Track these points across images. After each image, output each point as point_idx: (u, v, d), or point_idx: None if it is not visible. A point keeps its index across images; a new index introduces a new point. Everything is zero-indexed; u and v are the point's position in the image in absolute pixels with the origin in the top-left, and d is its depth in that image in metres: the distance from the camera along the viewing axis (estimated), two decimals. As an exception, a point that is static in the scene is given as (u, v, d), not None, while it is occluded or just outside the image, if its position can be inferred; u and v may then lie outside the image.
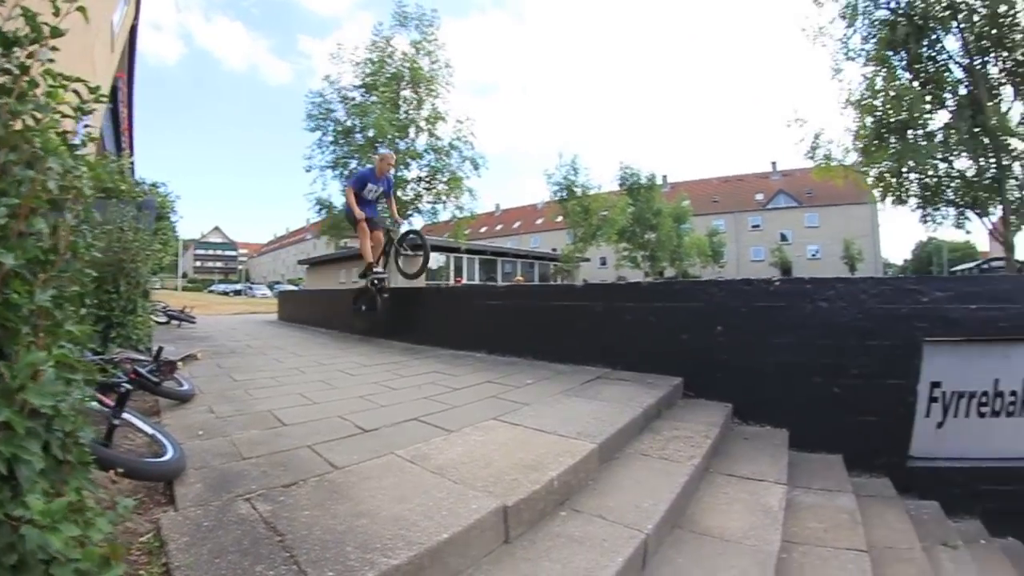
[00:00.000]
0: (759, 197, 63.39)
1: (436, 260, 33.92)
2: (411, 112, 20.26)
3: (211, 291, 60.41)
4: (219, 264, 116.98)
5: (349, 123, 19.77)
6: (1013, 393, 4.05)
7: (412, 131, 20.31)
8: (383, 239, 7.63)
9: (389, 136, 18.83)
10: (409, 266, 7.69)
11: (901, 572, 2.73)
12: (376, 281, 7.54)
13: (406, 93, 20.24)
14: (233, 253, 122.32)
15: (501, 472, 2.36)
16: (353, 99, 20.04)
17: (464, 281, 32.50)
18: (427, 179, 20.60)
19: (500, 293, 6.48)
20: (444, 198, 20.82)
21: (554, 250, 40.31)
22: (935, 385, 4.00)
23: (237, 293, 54.81)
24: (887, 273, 62.48)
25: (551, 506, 2.30)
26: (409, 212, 20.26)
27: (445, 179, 20.44)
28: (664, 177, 62.06)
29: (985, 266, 29.90)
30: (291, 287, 47.43)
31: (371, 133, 18.82)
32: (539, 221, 71.81)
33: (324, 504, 2.04)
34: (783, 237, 61.03)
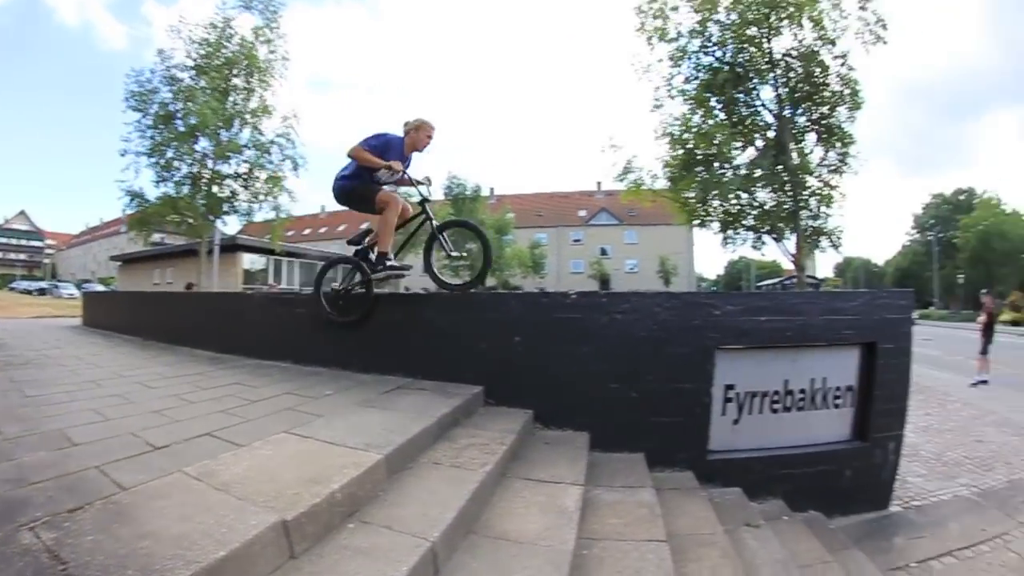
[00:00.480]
0: (582, 213, 66.87)
1: (254, 262, 32.19)
2: (239, 103, 18.81)
3: (12, 288, 52.56)
4: (22, 256, 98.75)
5: (172, 107, 17.87)
6: (802, 391, 4.70)
7: (237, 123, 18.83)
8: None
9: (211, 127, 17.38)
10: (451, 272, 6.27)
11: (704, 555, 2.94)
12: (386, 277, 5.34)
13: (237, 81, 18.74)
14: (39, 244, 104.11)
15: (285, 486, 2.27)
16: (182, 80, 18.14)
17: (281, 287, 30.77)
18: (245, 176, 19.24)
19: (305, 300, 6.21)
20: (262, 197, 19.57)
21: (380, 255, 39.72)
22: (729, 387, 4.48)
23: (42, 292, 47.60)
24: (700, 287, 68.93)
25: (338, 519, 2.23)
26: (224, 210, 19.04)
27: (264, 177, 19.30)
28: (492, 189, 63.52)
29: (787, 282, 33.86)
30: (100, 287, 42.71)
31: (193, 121, 17.22)
32: (364, 225, 69.12)
33: (109, 528, 1.94)
34: (603, 252, 64.44)
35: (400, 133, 5.03)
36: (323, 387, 4.52)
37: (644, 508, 3.13)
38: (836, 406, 4.81)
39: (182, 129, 17.67)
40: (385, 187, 5.14)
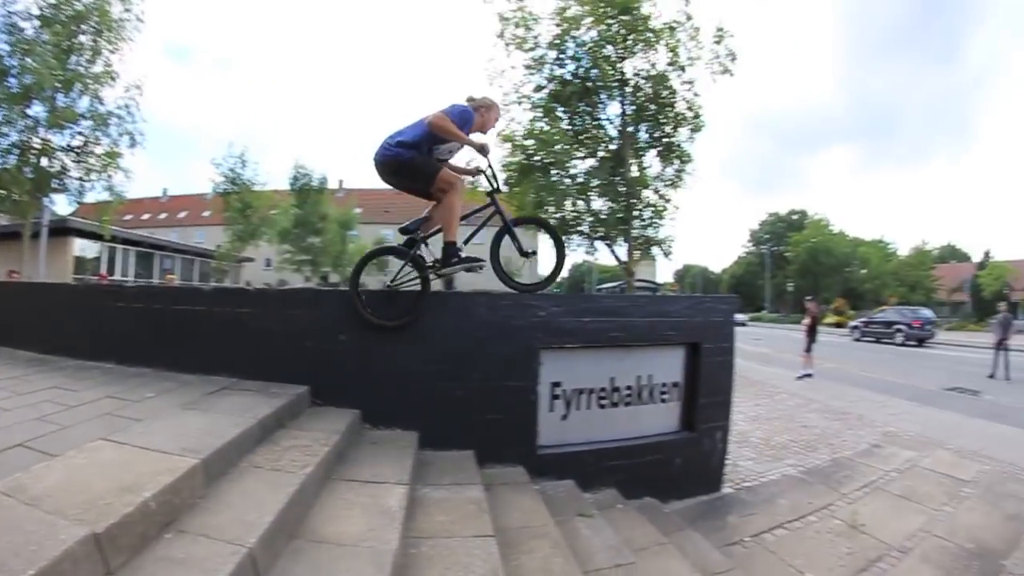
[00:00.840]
0: (426, 213, 65.06)
1: (85, 249, 28.77)
2: (82, 64, 16.47)
3: None
4: None
5: (8, 61, 15.27)
6: (628, 387, 4.96)
7: (77, 88, 16.47)
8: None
9: (48, 90, 15.19)
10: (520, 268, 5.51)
11: (536, 547, 3.03)
12: (454, 271, 4.52)
13: (84, 39, 16.32)
14: None
15: (97, 497, 2.08)
16: (24, 31, 15.47)
17: (112, 278, 27.72)
18: (78, 149, 17.03)
19: (128, 295, 5.67)
20: (95, 175, 17.47)
21: (218, 247, 35.79)
22: (556, 384, 4.65)
23: None
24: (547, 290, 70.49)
25: (154, 529, 2.09)
26: (54, 187, 17.00)
27: (100, 152, 17.22)
28: (340, 182, 62.58)
29: (624, 285, 35.61)
30: None
31: (28, 80, 14.98)
32: (206, 213, 62.90)
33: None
34: None
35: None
36: (145, 389, 4.16)
37: (472, 504, 3.19)
38: (663, 400, 5.15)
39: (15, 89, 15.35)
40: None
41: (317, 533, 2.49)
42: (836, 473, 6.13)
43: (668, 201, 17.72)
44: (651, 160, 17.81)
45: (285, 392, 3.91)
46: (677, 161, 17.42)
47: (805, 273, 58.39)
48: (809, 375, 13.97)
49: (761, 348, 23.00)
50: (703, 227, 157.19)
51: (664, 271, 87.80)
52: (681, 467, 5.12)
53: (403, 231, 4.70)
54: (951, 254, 69.65)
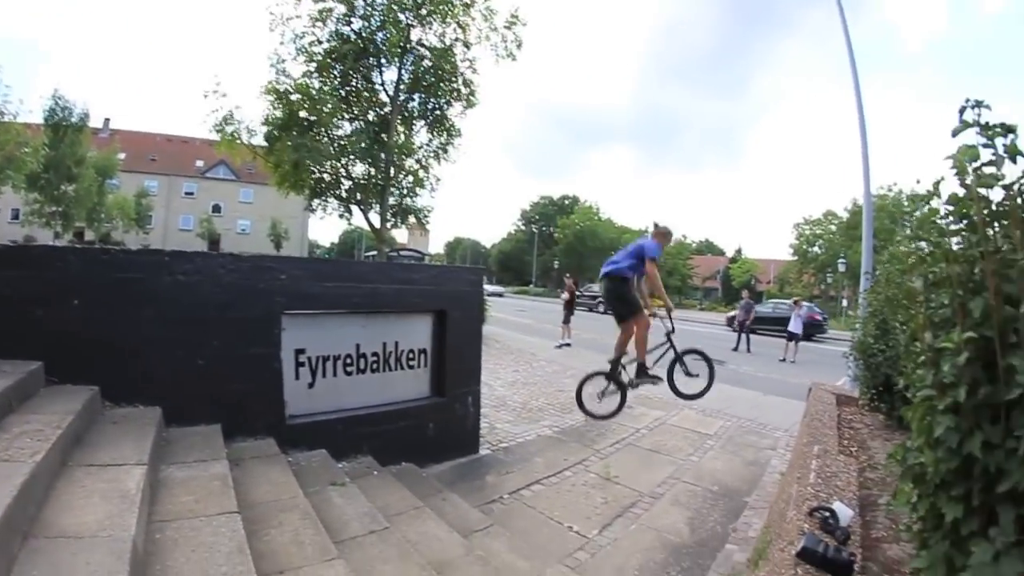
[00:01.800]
0: (199, 163, 58.94)
1: None
2: None
3: None
4: None
5: None
6: (375, 354, 5.01)
7: None
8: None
9: None
10: (688, 386, 6.31)
11: (285, 520, 2.97)
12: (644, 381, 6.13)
13: None
14: None
15: None
16: None
17: None
18: None
19: None
20: None
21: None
22: (300, 351, 4.55)
23: None
24: (313, 253, 69.02)
25: None
26: None
27: None
28: (107, 120, 54.71)
29: (393, 253, 35.50)
30: None
31: None
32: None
33: None
34: (216, 208, 58.96)
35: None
36: None
37: (216, 481, 3.04)
38: (411, 367, 5.30)
39: None
40: None
41: (54, 527, 2.21)
42: (589, 432, 6.75)
43: (430, 171, 18.18)
44: (419, 130, 18.04)
45: (15, 369, 3.31)
46: (445, 134, 17.83)
47: (571, 253, 62.93)
48: (568, 344, 15.27)
49: (524, 319, 24.60)
50: (476, 202, 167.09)
51: (436, 243, 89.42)
52: (435, 431, 5.32)
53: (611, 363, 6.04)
54: (708, 248, 79.85)
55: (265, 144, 17.20)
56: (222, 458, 3.39)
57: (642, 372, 6.05)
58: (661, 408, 7.97)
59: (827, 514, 2.52)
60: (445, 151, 18.05)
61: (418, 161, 17.99)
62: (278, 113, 16.29)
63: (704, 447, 6.64)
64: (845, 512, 2.55)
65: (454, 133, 17.96)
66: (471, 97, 17.55)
